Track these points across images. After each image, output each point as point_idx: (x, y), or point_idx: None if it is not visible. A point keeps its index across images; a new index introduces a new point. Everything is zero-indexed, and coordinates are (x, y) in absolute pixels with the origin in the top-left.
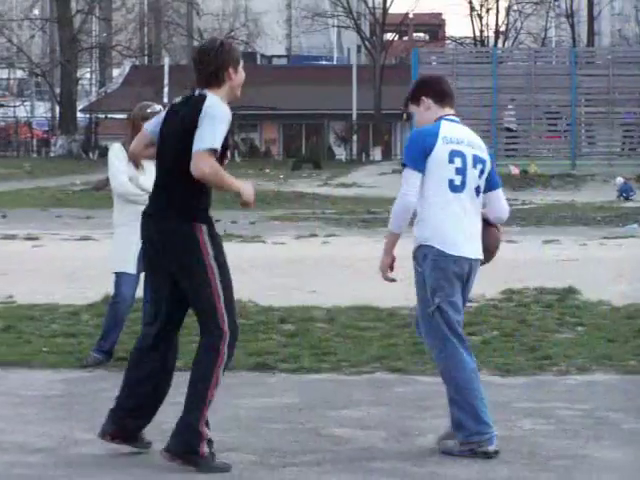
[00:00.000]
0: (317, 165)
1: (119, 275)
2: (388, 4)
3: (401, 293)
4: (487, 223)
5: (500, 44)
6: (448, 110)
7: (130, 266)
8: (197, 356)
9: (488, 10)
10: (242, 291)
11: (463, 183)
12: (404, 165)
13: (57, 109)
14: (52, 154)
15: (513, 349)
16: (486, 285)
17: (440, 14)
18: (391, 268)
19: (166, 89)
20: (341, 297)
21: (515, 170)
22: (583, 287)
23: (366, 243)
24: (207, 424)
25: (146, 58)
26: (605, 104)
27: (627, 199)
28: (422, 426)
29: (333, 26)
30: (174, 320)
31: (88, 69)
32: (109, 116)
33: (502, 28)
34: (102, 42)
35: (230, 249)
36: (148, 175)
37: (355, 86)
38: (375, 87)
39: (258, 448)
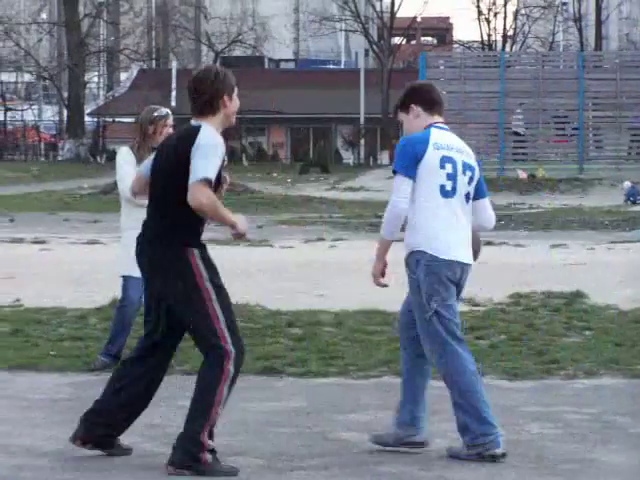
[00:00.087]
0: (325, 169)
1: (126, 279)
2: (396, 8)
3: None
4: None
5: (508, 48)
6: (437, 118)
7: (137, 270)
8: (201, 372)
9: (496, 14)
10: (250, 295)
11: (454, 189)
12: (395, 172)
13: (65, 113)
14: (60, 158)
15: (521, 353)
16: (494, 289)
17: (448, 18)
18: (383, 274)
19: (174, 93)
20: (349, 301)
21: (523, 174)
22: (591, 291)
23: (374, 247)
24: (211, 436)
25: (154, 62)
26: (613, 108)
27: (634, 203)
28: (430, 430)
29: (341, 30)
30: (167, 345)
31: (96, 73)
32: (117, 120)
33: (510, 32)
34: (110, 46)
35: (238, 253)
36: None
37: (363, 90)
38: (383, 91)
39: (265, 452)
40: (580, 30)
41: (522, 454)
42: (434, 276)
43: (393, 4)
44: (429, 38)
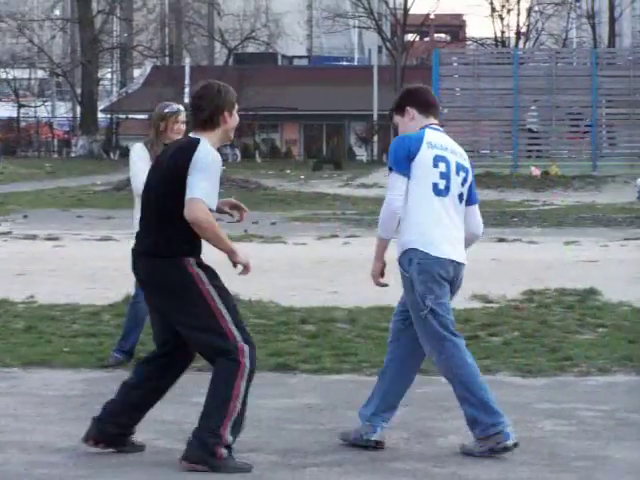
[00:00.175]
0: (338, 166)
1: None
2: (409, 5)
3: None
4: None
5: (521, 45)
6: (432, 120)
7: None
8: (215, 370)
9: (509, 11)
10: (263, 292)
11: (447, 188)
12: (390, 169)
13: (78, 109)
14: (73, 154)
15: (534, 350)
16: (507, 286)
17: (461, 15)
18: (382, 274)
19: (187, 89)
20: (362, 298)
21: (536, 171)
22: (604, 288)
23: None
24: (235, 433)
25: (167, 58)
26: (626, 105)
27: None
28: (443, 427)
29: (354, 27)
30: (182, 351)
31: (109, 69)
32: (130, 116)
33: (523, 29)
34: (123, 42)
35: (251, 250)
36: None
37: (376, 87)
38: (396, 88)
39: (279, 448)
40: (593, 27)
41: (535, 451)
42: (427, 274)
43: (406, 1)
44: (442, 35)
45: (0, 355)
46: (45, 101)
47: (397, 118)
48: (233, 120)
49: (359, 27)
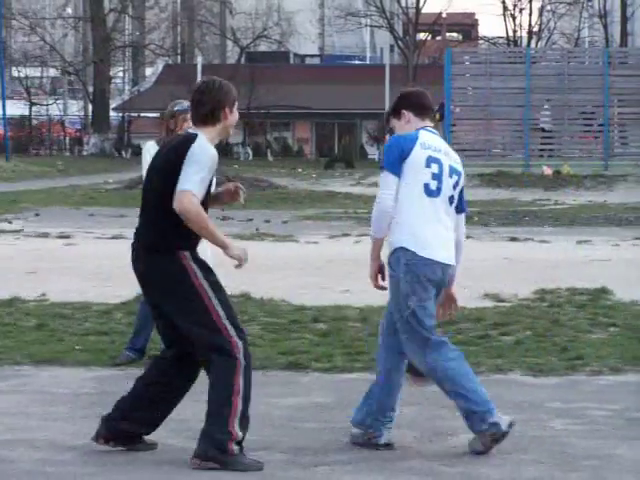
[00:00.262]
0: (350, 164)
1: None
2: (421, 4)
3: None
4: None
5: (533, 44)
6: (428, 122)
7: None
8: (212, 370)
9: (521, 10)
10: (275, 290)
11: (439, 189)
12: (382, 168)
13: (90, 108)
14: (85, 152)
15: (545, 349)
16: (519, 285)
17: (473, 14)
18: (382, 276)
19: None
20: (374, 296)
21: (547, 170)
22: (615, 287)
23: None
24: (244, 429)
25: (179, 57)
26: (638, 104)
27: None
28: (454, 426)
29: (366, 25)
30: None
31: (121, 68)
32: (142, 115)
33: (535, 28)
34: (135, 41)
35: (263, 248)
36: None
37: (388, 86)
38: (408, 87)
39: (290, 447)
40: (605, 26)
41: (546, 450)
42: (413, 275)
43: (418, 0)
44: (454, 34)
45: (11, 353)
46: (57, 99)
47: (393, 121)
48: (233, 117)
49: (371, 26)
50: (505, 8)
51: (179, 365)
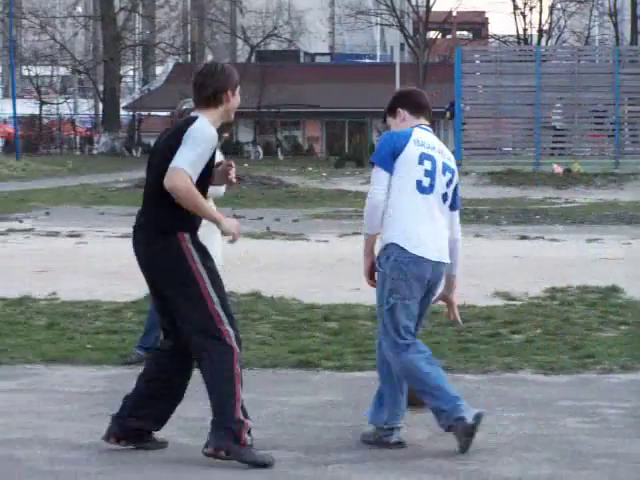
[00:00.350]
0: (360, 163)
1: None
2: (431, 2)
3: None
4: None
5: (543, 42)
6: (423, 121)
7: None
8: (207, 360)
9: (531, 8)
10: (285, 289)
11: (432, 186)
12: (373, 164)
13: (100, 106)
14: (95, 151)
15: (556, 347)
16: (529, 283)
17: (483, 12)
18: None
19: None
20: None
21: (558, 169)
22: (626, 286)
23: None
24: (245, 414)
25: (189, 56)
26: None
27: None
28: None
29: (376, 24)
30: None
31: (131, 67)
32: (152, 114)
33: (545, 26)
34: (145, 40)
35: (273, 247)
36: None
37: (398, 84)
38: (418, 85)
39: (301, 445)
40: (616, 25)
41: (557, 448)
42: (400, 272)
43: None
44: (465, 32)
45: (22, 352)
46: (67, 98)
47: (389, 120)
48: (235, 100)
49: (381, 24)
50: (515, 6)
51: (177, 359)
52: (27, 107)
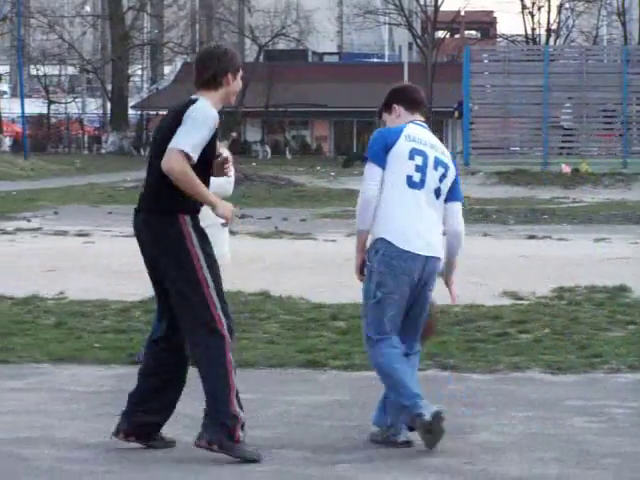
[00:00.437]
0: None
1: None
2: (439, 2)
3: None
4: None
5: (551, 42)
6: (418, 117)
7: None
8: (200, 349)
9: (540, 8)
10: (293, 288)
11: (422, 181)
12: (366, 159)
13: (108, 106)
14: (103, 151)
15: (564, 347)
16: (537, 283)
17: (491, 12)
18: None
19: None
20: None
21: (566, 168)
22: (634, 285)
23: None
24: (240, 406)
25: None
26: None
27: None
28: (474, 423)
29: (384, 23)
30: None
31: (139, 66)
32: (160, 113)
33: (554, 26)
34: (153, 39)
35: (281, 246)
36: None
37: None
38: (427, 85)
39: (309, 445)
40: (624, 24)
41: (565, 448)
42: (387, 266)
43: None
44: (473, 32)
45: (30, 351)
46: (75, 97)
47: (385, 115)
48: (236, 84)
49: (390, 24)
50: (524, 6)
51: (174, 352)
52: (35, 106)
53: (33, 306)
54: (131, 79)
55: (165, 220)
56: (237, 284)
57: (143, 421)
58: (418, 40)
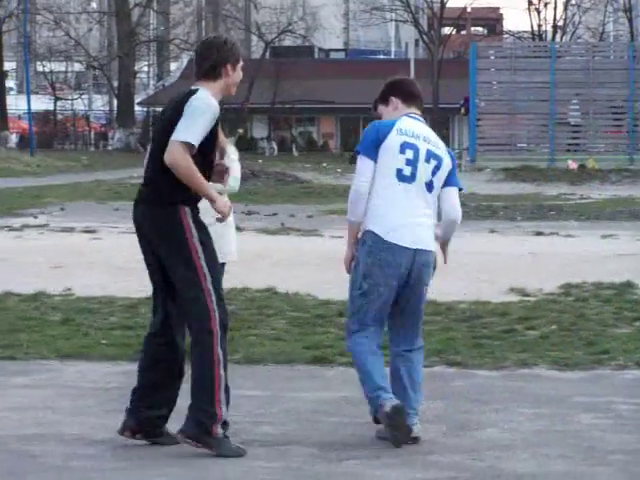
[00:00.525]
0: None
1: None
2: None
3: (459, 287)
4: None
5: (558, 38)
6: (414, 110)
7: None
8: (192, 340)
9: (546, 4)
10: (300, 285)
11: (413, 175)
12: (357, 152)
13: (115, 102)
14: (110, 147)
15: (571, 343)
16: (544, 279)
17: (498, 8)
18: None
19: None
20: None
21: (573, 165)
22: None
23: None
24: (227, 404)
25: None
26: None
27: None
28: (481, 420)
29: (391, 20)
30: (174, 314)
31: (146, 62)
32: None
33: (560, 22)
34: (160, 35)
35: (288, 242)
36: None
37: None
38: (433, 81)
39: (316, 441)
40: (630, 20)
41: (572, 444)
42: (374, 258)
43: None
44: (479, 28)
45: (37, 347)
46: (82, 94)
47: (381, 108)
48: (236, 75)
49: (396, 20)
50: (530, 2)
51: (167, 344)
52: (42, 103)
53: (40, 303)
54: (137, 76)
55: (165, 211)
56: (244, 280)
57: (149, 415)
58: (424, 36)
